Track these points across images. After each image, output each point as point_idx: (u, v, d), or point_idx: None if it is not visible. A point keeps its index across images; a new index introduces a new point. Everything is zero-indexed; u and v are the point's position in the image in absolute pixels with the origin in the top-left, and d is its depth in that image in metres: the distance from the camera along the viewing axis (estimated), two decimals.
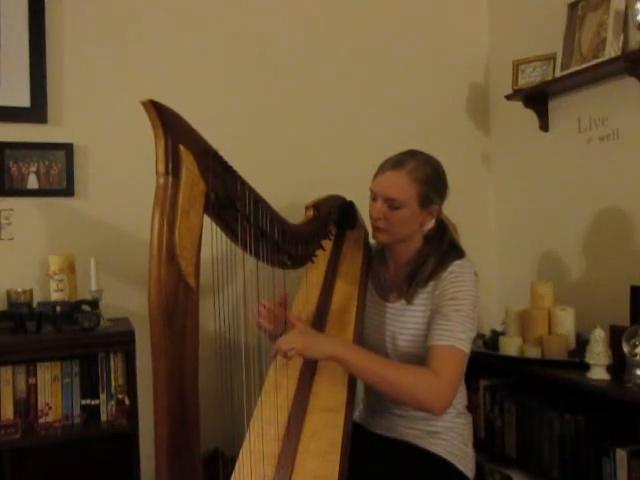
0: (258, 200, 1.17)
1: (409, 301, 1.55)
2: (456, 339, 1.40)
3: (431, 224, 1.59)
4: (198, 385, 0.94)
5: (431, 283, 1.52)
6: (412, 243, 1.59)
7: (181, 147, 0.92)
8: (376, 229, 1.57)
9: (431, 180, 1.54)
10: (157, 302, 0.89)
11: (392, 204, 1.51)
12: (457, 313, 1.43)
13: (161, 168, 0.91)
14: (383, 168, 1.56)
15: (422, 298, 1.54)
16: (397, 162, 1.54)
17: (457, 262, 1.52)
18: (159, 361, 0.90)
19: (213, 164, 0.99)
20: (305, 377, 1.41)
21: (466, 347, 1.42)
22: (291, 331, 1.37)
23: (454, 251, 1.57)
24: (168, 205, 0.90)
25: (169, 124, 0.91)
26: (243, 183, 1.11)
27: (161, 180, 0.91)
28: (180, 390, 0.90)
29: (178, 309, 0.90)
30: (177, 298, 0.89)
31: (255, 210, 1.16)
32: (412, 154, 1.56)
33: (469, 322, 1.44)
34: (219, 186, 1.02)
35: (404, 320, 1.55)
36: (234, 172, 1.08)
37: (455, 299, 1.45)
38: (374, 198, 1.56)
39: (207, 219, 1.01)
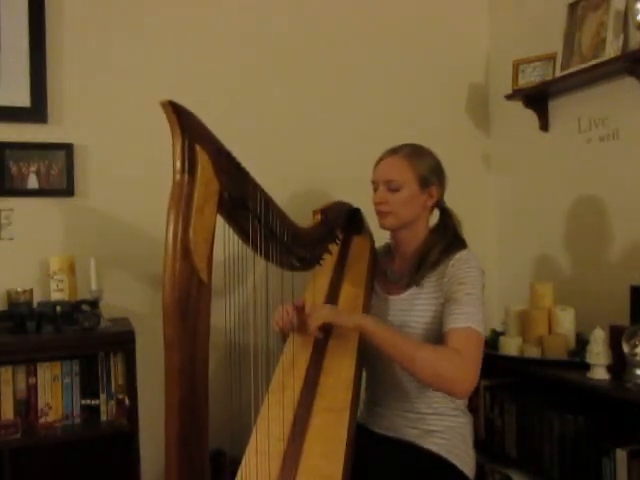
0: (269, 201, 1.19)
1: (418, 283, 1.57)
2: (473, 321, 1.42)
3: (433, 205, 1.65)
4: (208, 380, 0.95)
5: (438, 269, 1.55)
6: (417, 231, 1.63)
7: (197, 147, 0.95)
8: (380, 214, 1.62)
9: (427, 162, 1.63)
10: (171, 297, 0.91)
11: (391, 186, 1.59)
12: (469, 297, 1.46)
13: (178, 166, 0.94)
14: (380, 157, 1.66)
15: (430, 284, 1.56)
16: (393, 149, 1.65)
17: (462, 251, 1.56)
18: (171, 355, 0.91)
19: (227, 164, 1.02)
20: (311, 377, 1.42)
21: (482, 329, 1.44)
22: (319, 306, 1.47)
23: (458, 242, 1.62)
24: (184, 202, 0.92)
25: (186, 124, 0.94)
26: (255, 184, 1.13)
27: (177, 178, 0.93)
28: (191, 384, 0.92)
29: (191, 304, 0.92)
30: (190, 293, 0.91)
31: (266, 211, 1.18)
32: (406, 144, 1.66)
33: (480, 306, 1.47)
34: (232, 186, 1.04)
35: (413, 310, 1.57)
36: (246, 173, 1.11)
37: (464, 284, 1.48)
38: (375, 188, 1.64)
39: (220, 222, 1.03)
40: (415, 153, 1.62)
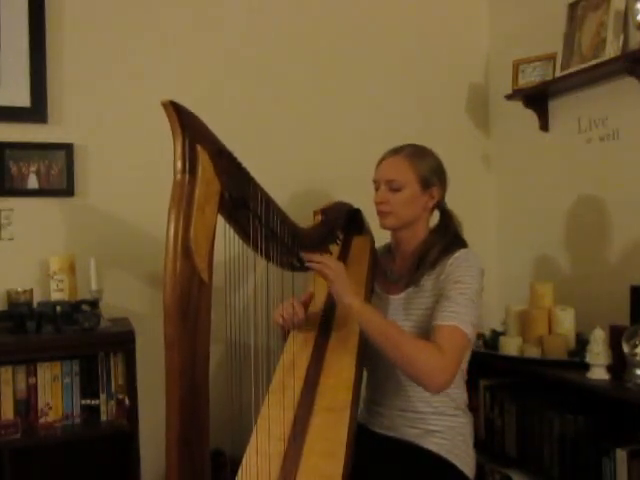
0: (269, 201, 1.20)
1: (416, 283, 1.57)
2: (460, 320, 1.43)
3: (433, 205, 1.64)
4: (209, 380, 0.95)
5: (437, 268, 1.55)
6: (417, 232, 1.63)
7: (198, 147, 0.95)
8: (381, 214, 1.62)
9: (429, 163, 1.62)
10: (171, 297, 0.91)
11: (393, 186, 1.59)
12: (462, 296, 1.46)
13: (179, 166, 0.94)
14: (382, 157, 1.66)
15: (429, 283, 1.56)
16: (395, 149, 1.64)
17: (462, 250, 1.56)
18: (172, 355, 0.92)
19: (227, 164, 1.02)
20: (311, 377, 1.42)
21: (469, 331, 1.44)
22: (335, 261, 1.45)
23: (458, 242, 1.61)
24: (185, 202, 0.92)
25: (187, 124, 0.94)
26: (255, 184, 1.14)
27: (178, 177, 0.94)
28: (192, 384, 0.92)
29: (192, 304, 0.92)
30: (191, 293, 0.92)
31: (266, 211, 1.18)
32: (409, 144, 1.65)
33: (473, 307, 1.46)
34: (233, 186, 1.05)
35: (412, 309, 1.57)
36: (247, 173, 1.11)
37: (460, 282, 1.48)
38: (377, 188, 1.64)
39: (220, 222, 1.03)
40: (417, 153, 1.62)
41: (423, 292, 1.56)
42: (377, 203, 1.62)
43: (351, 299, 1.41)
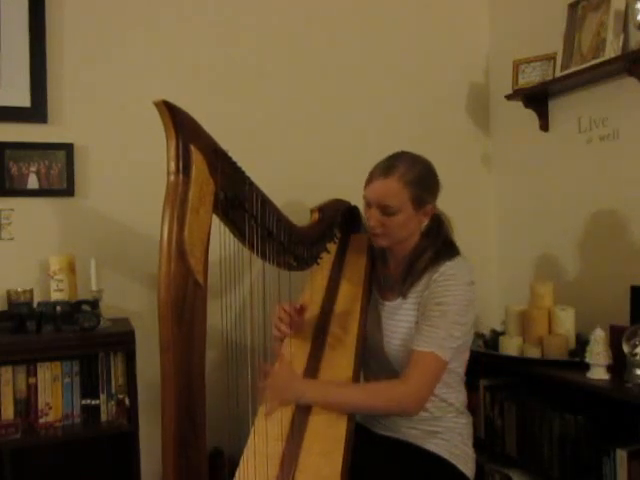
0: (265, 201, 1.19)
1: (404, 295, 1.55)
2: (437, 346, 1.42)
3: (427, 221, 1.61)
4: (205, 381, 0.95)
5: (424, 280, 1.53)
6: (411, 241, 1.61)
7: (192, 147, 0.94)
8: (375, 235, 1.58)
9: (422, 180, 1.55)
10: (166, 298, 0.90)
11: (387, 211, 1.53)
12: (442, 319, 1.44)
13: (172, 167, 0.93)
14: (373, 175, 1.56)
15: (415, 294, 1.54)
16: (387, 168, 1.54)
17: (449, 263, 1.51)
18: (167, 356, 0.91)
19: (222, 164, 1.02)
20: (309, 377, 1.42)
21: (446, 354, 1.43)
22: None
23: (449, 249, 1.58)
24: (178, 203, 0.92)
25: (181, 124, 0.93)
26: (251, 184, 1.13)
27: (172, 178, 0.93)
28: (187, 385, 0.92)
29: (187, 306, 0.91)
30: (186, 295, 0.91)
31: (262, 211, 1.18)
32: (399, 157, 1.57)
33: (454, 328, 1.44)
34: (228, 186, 1.04)
35: (397, 318, 1.57)
36: (242, 172, 1.10)
37: (441, 304, 1.46)
38: (368, 205, 1.58)
39: (216, 221, 1.02)
40: (408, 171, 1.52)
41: (408, 303, 1.55)
42: (371, 227, 1.57)
43: (304, 397, 1.37)
